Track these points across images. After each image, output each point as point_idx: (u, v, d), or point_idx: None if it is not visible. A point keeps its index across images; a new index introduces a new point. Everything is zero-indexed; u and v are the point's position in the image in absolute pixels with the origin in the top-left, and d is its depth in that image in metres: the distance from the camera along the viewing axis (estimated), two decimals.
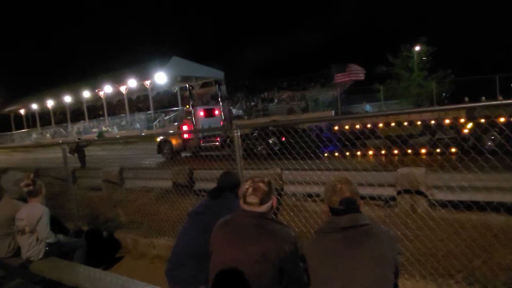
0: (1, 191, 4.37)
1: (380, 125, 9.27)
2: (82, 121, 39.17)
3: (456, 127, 8.56)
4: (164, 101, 38.23)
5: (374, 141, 9.03)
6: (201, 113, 14.85)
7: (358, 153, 9.00)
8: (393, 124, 9.19)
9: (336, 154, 8.32)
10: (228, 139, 11.75)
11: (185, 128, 14.48)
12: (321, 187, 3.55)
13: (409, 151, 8.02)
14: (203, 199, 2.86)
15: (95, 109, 42.27)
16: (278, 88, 31.82)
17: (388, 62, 26.12)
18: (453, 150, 6.89)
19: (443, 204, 3.95)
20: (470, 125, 8.29)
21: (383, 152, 8.45)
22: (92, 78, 37.79)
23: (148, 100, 33.25)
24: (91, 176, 8.48)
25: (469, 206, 3.61)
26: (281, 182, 5.16)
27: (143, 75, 31.00)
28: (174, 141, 13.93)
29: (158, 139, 14.44)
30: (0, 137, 48.28)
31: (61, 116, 44.61)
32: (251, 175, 2.07)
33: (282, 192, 5.10)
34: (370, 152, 8.64)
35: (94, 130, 33.34)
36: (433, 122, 8.91)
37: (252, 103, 29.49)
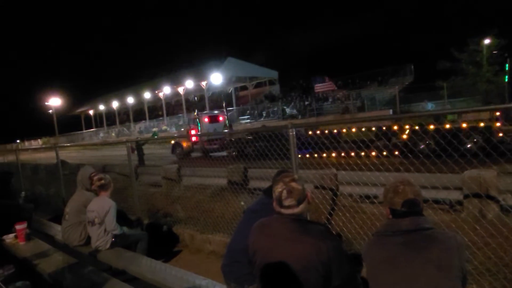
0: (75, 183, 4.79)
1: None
2: (143, 120, 41.38)
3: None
4: (220, 101, 39.22)
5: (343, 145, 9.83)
6: (206, 119, 17.88)
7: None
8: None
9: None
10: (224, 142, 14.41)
11: (193, 132, 17.49)
12: (379, 188, 3.41)
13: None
14: (258, 197, 2.88)
15: (155, 110, 44.49)
16: None
17: (452, 57, 24.39)
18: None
19: None
20: None
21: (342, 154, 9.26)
22: (153, 80, 39.78)
23: (204, 100, 34.28)
24: (152, 173, 8.93)
25: None
26: (336, 182, 5.05)
27: (199, 76, 32.01)
28: (184, 144, 16.64)
29: (172, 142, 17.13)
30: (72, 136, 52.71)
31: (125, 116, 47.60)
32: (286, 175, 1.99)
33: (338, 193, 4.98)
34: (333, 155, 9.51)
35: (154, 129, 35.20)
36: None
37: (306, 103, 29.16)
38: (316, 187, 4.97)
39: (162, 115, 39.33)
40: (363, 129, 9.73)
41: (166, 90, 35.04)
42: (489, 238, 3.33)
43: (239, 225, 2.81)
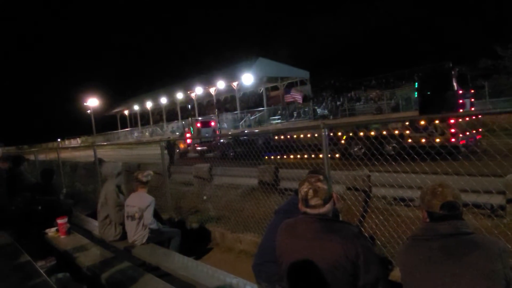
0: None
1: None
2: (176, 120, 42.23)
3: None
4: (250, 101, 39.36)
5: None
6: (198, 125, 20.43)
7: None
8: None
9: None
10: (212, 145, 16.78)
11: (188, 135, 19.92)
12: (415, 191, 3.29)
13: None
14: (289, 197, 2.86)
15: (187, 110, 45.36)
16: (366, 87, 30.45)
17: (494, 54, 23.16)
18: None
19: None
20: None
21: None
22: (185, 80, 40.49)
23: (235, 100, 34.51)
24: (184, 172, 9.12)
25: None
26: (369, 184, 4.94)
27: (230, 76, 32.23)
28: (181, 145, 19.10)
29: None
30: (108, 135, 54.75)
31: (158, 116, 48.85)
32: (312, 176, 1.96)
33: (371, 194, 4.87)
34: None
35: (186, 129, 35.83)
36: None
37: (338, 103, 28.66)
38: (349, 189, 4.89)
39: (194, 115, 40.03)
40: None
41: (198, 90, 35.58)
42: None
43: (270, 225, 2.81)
